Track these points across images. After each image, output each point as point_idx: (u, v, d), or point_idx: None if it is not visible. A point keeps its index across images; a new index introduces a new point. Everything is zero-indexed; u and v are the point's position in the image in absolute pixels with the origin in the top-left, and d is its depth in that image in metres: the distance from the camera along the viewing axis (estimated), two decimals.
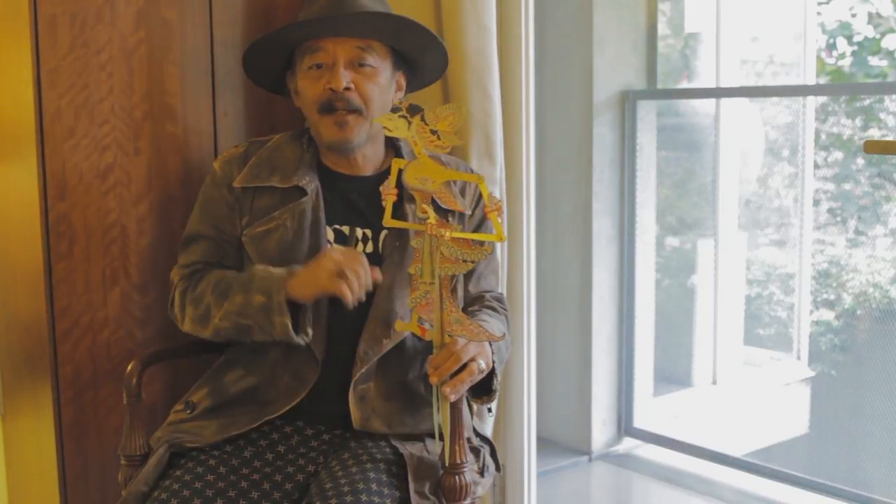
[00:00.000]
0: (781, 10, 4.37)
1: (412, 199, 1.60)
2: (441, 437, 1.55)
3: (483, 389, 1.62)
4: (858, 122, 4.14)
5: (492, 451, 1.76)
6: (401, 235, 1.68)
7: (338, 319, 1.65)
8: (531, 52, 2.12)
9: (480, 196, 1.73)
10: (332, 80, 1.65)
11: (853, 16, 4.76)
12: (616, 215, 3.28)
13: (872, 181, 3.98)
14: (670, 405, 3.66)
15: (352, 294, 1.52)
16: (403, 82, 1.78)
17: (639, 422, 3.35)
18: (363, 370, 1.62)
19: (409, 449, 1.60)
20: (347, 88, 1.65)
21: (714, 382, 3.95)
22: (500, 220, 1.50)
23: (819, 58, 4.57)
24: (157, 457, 1.58)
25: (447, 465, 1.53)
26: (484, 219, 1.76)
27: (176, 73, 1.89)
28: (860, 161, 4.03)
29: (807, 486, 2.93)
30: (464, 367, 1.49)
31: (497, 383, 1.62)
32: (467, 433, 1.65)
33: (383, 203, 1.52)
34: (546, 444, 3.20)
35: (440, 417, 1.53)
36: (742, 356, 4.13)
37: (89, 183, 1.81)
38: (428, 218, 1.48)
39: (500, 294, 1.83)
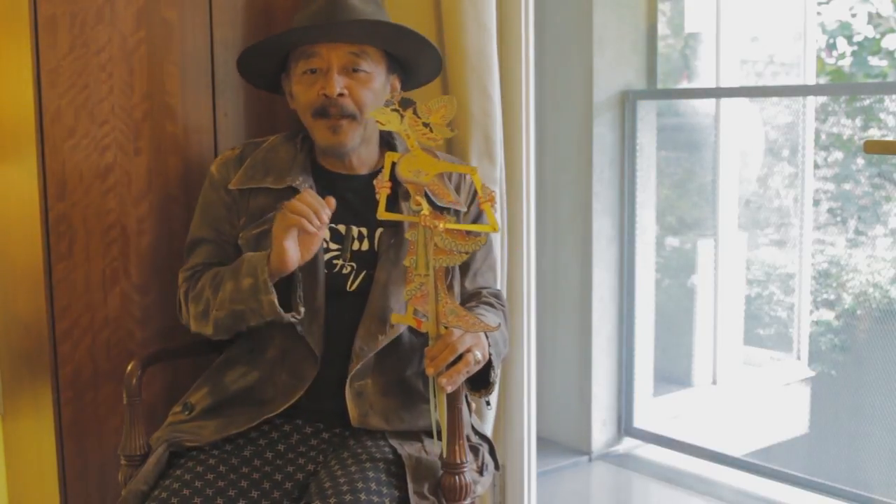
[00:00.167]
0: (781, 10, 4.37)
1: (407, 197, 1.60)
2: (439, 435, 1.55)
3: (481, 382, 1.62)
4: (858, 122, 4.14)
5: (490, 449, 1.76)
6: (396, 233, 1.68)
7: (335, 317, 1.66)
8: (531, 52, 2.12)
9: (476, 193, 1.73)
10: (326, 87, 1.66)
11: (853, 16, 4.76)
12: (616, 215, 3.28)
13: (872, 181, 3.98)
14: (670, 405, 3.66)
15: (308, 221, 1.52)
16: (398, 84, 1.79)
17: (639, 422, 3.35)
18: (359, 366, 1.63)
19: (407, 450, 1.60)
20: (341, 94, 1.66)
21: (714, 382, 3.95)
22: (493, 211, 1.50)
23: (819, 58, 4.57)
24: (157, 456, 1.58)
25: (445, 456, 1.53)
26: (480, 214, 1.76)
27: (176, 73, 1.90)
28: (860, 161, 4.03)
29: (807, 486, 2.93)
30: (460, 357, 1.49)
31: (495, 375, 1.63)
32: (465, 431, 1.65)
33: (377, 196, 1.52)
34: (546, 444, 3.20)
35: (438, 414, 1.53)
36: (742, 356, 4.13)
37: (89, 183, 1.81)
38: (422, 210, 1.48)
39: (498, 291, 1.83)
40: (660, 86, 3.44)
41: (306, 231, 1.54)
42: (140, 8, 1.84)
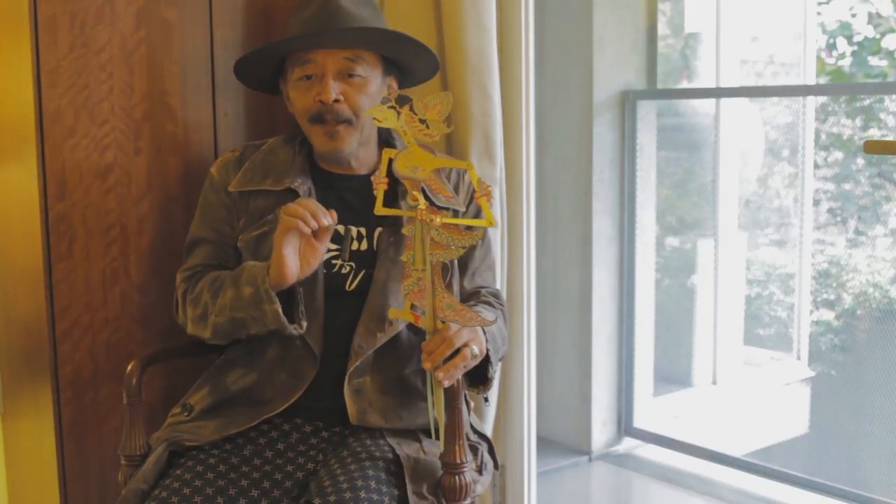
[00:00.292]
0: (781, 10, 4.37)
1: (406, 195, 1.60)
2: (437, 435, 1.55)
3: (479, 378, 1.62)
4: (858, 122, 4.14)
5: (489, 448, 1.77)
6: (396, 233, 1.68)
7: (334, 316, 1.66)
8: (531, 52, 2.12)
9: (474, 192, 1.73)
10: (321, 93, 1.66)
11: (853, 16, 4.76)
12: (616, 215, 3.28)
13: (872, 181, 3.98)
14: (670, 405, 3.66)
15: (305, 222, 1.52)
16: (395, 85, 1.79)
17: (639, 422, 3.36)
18: (357, 363, 1.63)
19: (405, 450, 1.60)
20: (337, 100, 1.66)
21: (714, 382, 3.94)
22: (489, 205, 1.50)
23: (819, 58, 4.56)
24: (157, 455, 1.59)
25: (445, 455, 1.53)
26: (478, 212, 1.76)
27: (176, 73, 1.90)
28: (860, 161, 4.02)
29: (807, 486, 2.94)
30: (457, 352, 1.48)
31: (493, 371, 1.63)
32: (465, 430, 1.65)
33: (374, 192, 1.52)
34: (546, 444, 3.20)
35: (436, 411, 1.53)
36: (742, 356, 4.13)
37: (89, 183, 1.81)
38: (418, 205, 1.48)
39: (497, 290, 1.83)
40: (660, 86, 3.44)
41: (301, 232, 1.53)
42: (140, 8, 1.84)
